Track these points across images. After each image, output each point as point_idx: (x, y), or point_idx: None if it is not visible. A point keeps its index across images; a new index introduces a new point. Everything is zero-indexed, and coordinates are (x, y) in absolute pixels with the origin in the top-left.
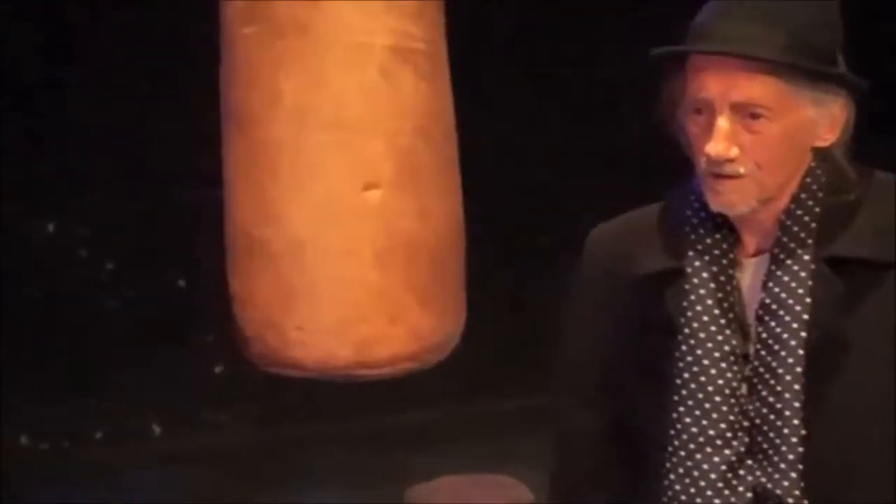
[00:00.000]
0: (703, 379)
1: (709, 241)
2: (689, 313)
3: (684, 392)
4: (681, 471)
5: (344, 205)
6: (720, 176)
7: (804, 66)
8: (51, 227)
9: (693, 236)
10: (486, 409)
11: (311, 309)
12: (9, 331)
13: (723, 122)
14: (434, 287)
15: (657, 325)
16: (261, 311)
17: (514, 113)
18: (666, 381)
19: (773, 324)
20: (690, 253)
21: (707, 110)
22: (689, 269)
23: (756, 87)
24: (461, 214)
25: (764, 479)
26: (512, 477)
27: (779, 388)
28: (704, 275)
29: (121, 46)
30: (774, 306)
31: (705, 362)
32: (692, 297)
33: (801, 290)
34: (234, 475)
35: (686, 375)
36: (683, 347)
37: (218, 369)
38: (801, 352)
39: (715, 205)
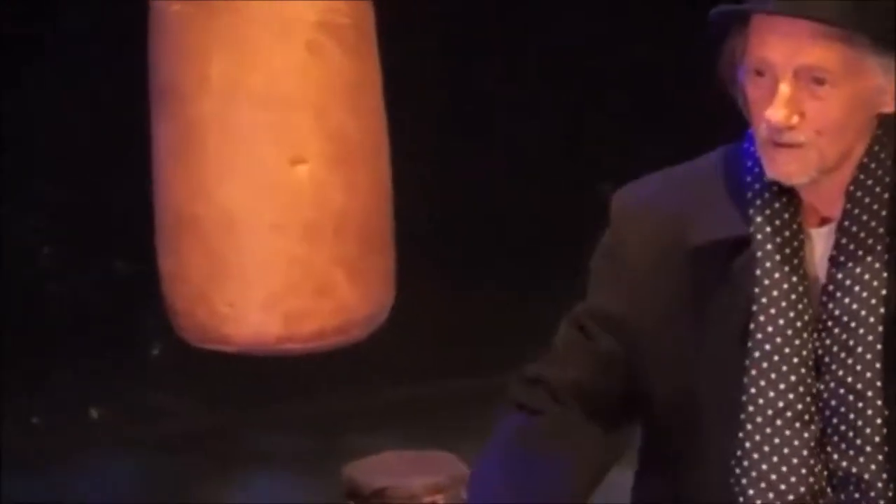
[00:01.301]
0: (787, 350)
1: (777, 205)
2: (767, 282)
3: (765, 364)
4: (766, 448)
5: (272, 180)
6: (779, 144)
7: (873, 32)
8: None
9: (758, 202)
10: (432, 389)
11: (240, 284)
12: None
13: (785, 88)
14: (362, 261)
15: (722, 296)
16: (191, 287)
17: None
18: (736, 355)
19: (846, 300)
20: (758, 219)
21: (769, 73)
22: (759, 237)
23: (822, 52)
24: (390, 189)
25: (845, 463)
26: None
27: (858, 367)
28: (778, 240)
29: (68, 30)
30: (848, 281)
31: (789, 332)
32: (767, 265)
33: (877, 265)
34: (178, 459)
35: (768, 347)
36: (762, 318)
37: (158, 352)
38: (880, 328)
39: (772, 173)
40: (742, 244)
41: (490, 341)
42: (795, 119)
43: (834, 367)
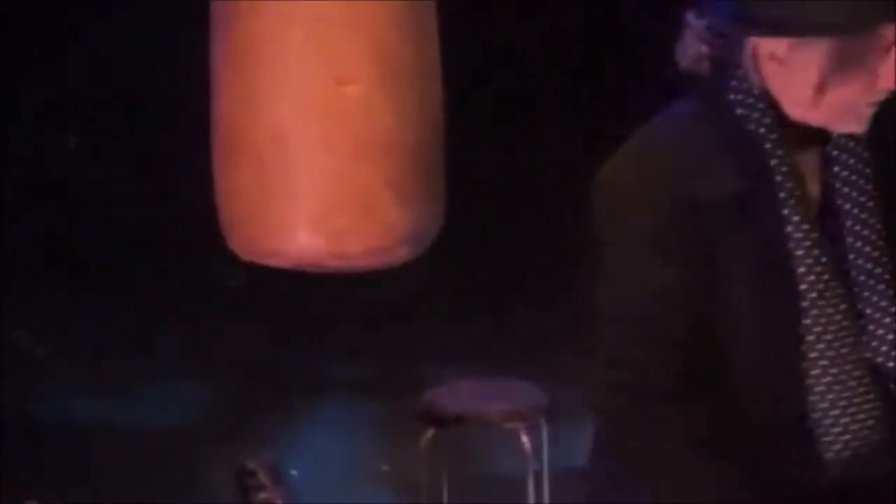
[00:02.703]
0: (827, 277)
1: (781, 149)
2: (796, 217)
3: (817, 297)
4: (838, 387)
5: (322, 99)
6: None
7: None
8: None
9: (768, 146)
10: (501, 322)
11: (290, 201)
12: (23, 238)
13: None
14: (409, 182)
15: (751, 244)
16: (243, 202)
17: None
18: (781, 294)
19: (848, 222)
20: (773, 162)
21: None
22: (778, 178)
23: None
24: (441, 112)
25: (870, 354)
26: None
27: (871, 282)
28: (791, 182)
29: None
30: (846, 204)
31: (823, 260)
32: (791, 202)
33: (862, 181)
34: (242, 386)
35: (812, 278)
36: (799, 252)
37: (234, 282)
38: (882, 243)
39: (861, 128)
40: (755, 191)
41: (559, 274)
42: None
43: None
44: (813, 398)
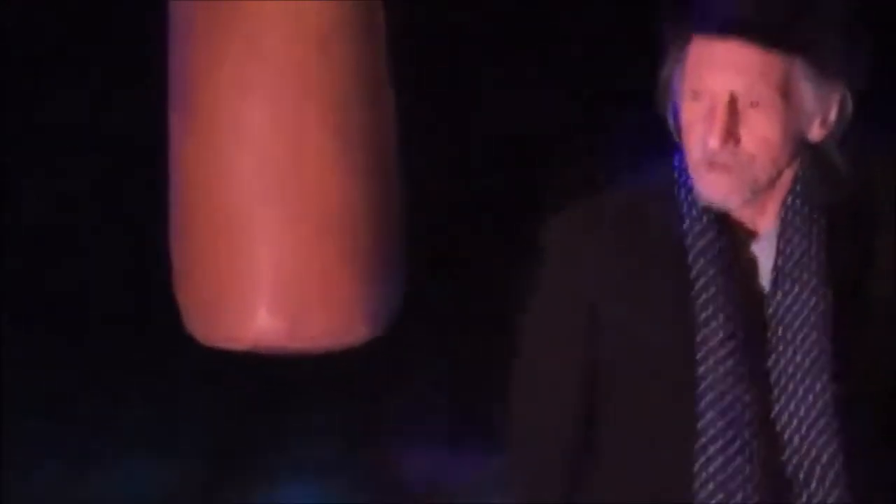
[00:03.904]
0: (732, 361)
1: (711, 234)
2: (711, 307)
3: (712, 378)
4: (710, 468)
5: (280, 177)
6: (713, 165)
7: (815, 68)
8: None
9: (697, 227)
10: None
11: (248, 282)
12: None
13: (722, 113)
14: (370, 256)
15: (666, 316)
16: (200, 284)
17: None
18: (687, 370)
19: (794, 307)
20: (699, 243)
21: (704, 97)
22: (699, 263)
23: (759, 77)
24: (399, 182)
25: (796, 457)
26: None
27: (807, 363)
28: (718, 265)
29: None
30: (796, 287)
31: (730, 343)
32: (712, 290)
33: (820, 251)
34: (208, 467)
35: (711, 362)
36: (706, 339)
37: (183, 362)
38: (822, 306)
39: (707, 195)
40: (684, 276)
41: None
42: (731, 143)
43: (780, 347)
44: (696, 470)
